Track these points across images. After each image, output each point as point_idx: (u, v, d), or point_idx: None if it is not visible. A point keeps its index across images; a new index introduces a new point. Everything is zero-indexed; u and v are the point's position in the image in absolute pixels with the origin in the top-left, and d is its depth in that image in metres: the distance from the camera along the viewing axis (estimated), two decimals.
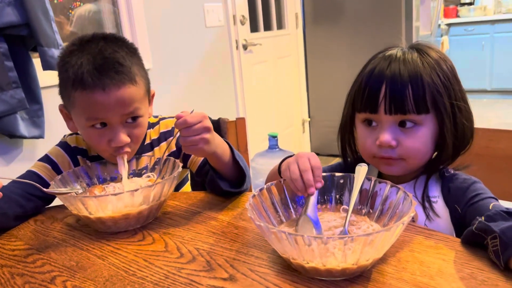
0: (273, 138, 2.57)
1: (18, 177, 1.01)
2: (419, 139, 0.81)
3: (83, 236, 0.86)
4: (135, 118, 0.96)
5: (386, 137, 0.81)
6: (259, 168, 2.55)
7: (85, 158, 1.08)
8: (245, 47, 2.88)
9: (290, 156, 0.82)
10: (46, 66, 1.56)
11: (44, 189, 0.82)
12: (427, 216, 0.84)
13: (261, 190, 0.76)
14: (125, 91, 0.91)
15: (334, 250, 0.60)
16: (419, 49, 0.84)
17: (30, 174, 1.01)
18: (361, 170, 0.77)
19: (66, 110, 0.99)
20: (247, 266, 0.69)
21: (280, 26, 3.34)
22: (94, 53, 0.91)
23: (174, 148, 1.10)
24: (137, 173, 1.01)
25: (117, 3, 2.12)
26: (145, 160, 1.02)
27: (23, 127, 1.64)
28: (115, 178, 1.01)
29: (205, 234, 0.82)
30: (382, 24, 3.15)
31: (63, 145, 1.08)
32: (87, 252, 0.79)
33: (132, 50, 0.98)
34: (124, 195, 0.80)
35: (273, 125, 3.20)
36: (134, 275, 0.70)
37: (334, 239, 0.60)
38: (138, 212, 0.84)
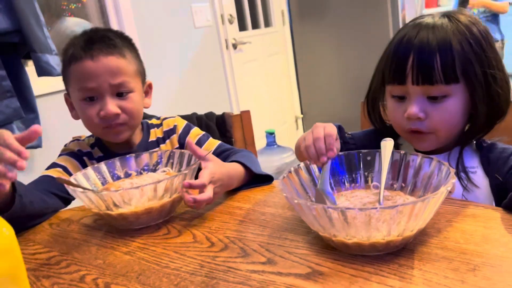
0: (270, 135, 2.55)
1: (33, 181, 0.98)
2: (449, 110, 0.79)
3: (104, 234, 0.83)
4: (126, 92, 0.98)
5: (414, 109, 0.79)
6: None
7: (92, 160, 1.06)
8: (234, 46, 2.86)
9: None
10: (41, 72, 1.52)
11: (70, 182, 0.80)
12: (465, 187, 0.83)
13: (289, 172, 0.74)
14: (112, 60, 0.96)
15: (378, 224, 0.59)
16: (450, 15, 0.81)
17: (45, 177, 0.99)
18: (387, 145, 0.75)
19: (69, 97, 1.03)
20: (283, 249, 0.67)
21: (267, 23, 3.33)
22: (87, 32, 1.00)
23: (177, 145, 1.12)
24: (152, 169, 0.99)
25: (105, 5, 2.09)
26: (157, 155, 0.99)
27: None
28: (129, 175, 0.98)
29: (232, 223, 0.79)
30: (368, 14, 3.15)
31: (67, 152, 1.07)
32: (112, 249, 0.76)
33: (125, 37, 1.03)
34: (147, 188, 0.77)
35: (267, 123, 3.17)
36: (167, 267, 0.67)
37: (383, 209, 0.57)
38: (161, 205, 0.81)
